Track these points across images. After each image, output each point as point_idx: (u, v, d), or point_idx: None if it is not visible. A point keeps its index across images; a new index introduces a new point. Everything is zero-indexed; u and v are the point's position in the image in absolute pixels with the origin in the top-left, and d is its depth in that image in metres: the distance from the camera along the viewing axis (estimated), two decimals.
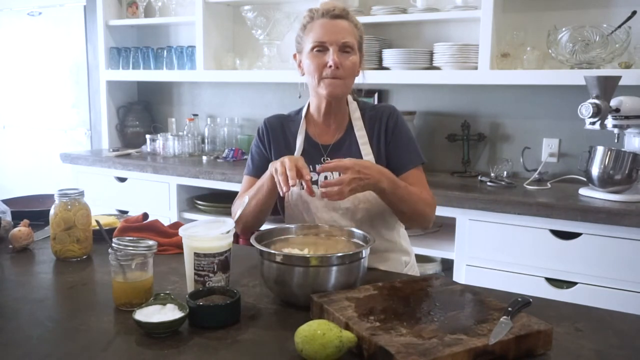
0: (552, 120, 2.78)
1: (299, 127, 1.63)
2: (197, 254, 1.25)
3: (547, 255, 2.28)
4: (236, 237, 1.97)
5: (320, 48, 1.51)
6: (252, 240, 1.29)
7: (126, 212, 3.10)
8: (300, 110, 1.67)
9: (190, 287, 1.27)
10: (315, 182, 1.55)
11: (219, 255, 1.25)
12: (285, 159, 1.37)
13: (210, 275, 1.25)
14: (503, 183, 2.60)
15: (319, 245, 1.41)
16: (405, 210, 1.49)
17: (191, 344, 1.07)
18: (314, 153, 1.60)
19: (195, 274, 1.25)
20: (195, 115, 3.68)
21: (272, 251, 1.25)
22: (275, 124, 1.66)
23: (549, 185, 2.57)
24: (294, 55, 1.62)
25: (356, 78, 1.61)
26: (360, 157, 1.56)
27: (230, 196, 3.15)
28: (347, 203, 1.53)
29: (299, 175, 1.35)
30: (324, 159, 1.59)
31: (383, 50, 2.89)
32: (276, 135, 1.65)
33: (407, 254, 1.67)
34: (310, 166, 1.58)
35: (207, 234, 1.29)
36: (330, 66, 1.49)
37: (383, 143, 1.58)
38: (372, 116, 1.60)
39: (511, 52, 2.71)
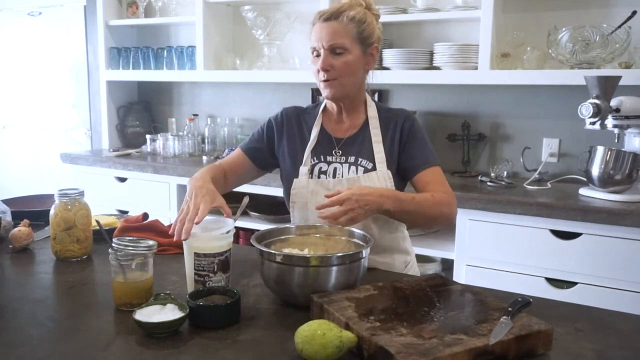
0: (552, 120, 2.77)
1: (316, 119, 1.66)
2: (197, 254, 1.25)
3: (547, 255, 2.28)
4: (236, 237, 1.97)
5: (316, 53, 1.55)
6: (252, 240, 1.29)
7: (126, 212, 3.10)
8: (319, 104, 1.71)
9: (190, 287, 1.27)
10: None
11: (219, 255, 1.25)
12: (192, 202, 1.36)
13: (210, 275, 1.25)
14: (503, 183, 2.60)
15: (319, 245, 1.41)
16: (421, 221, 1.52)
17: (191, 344, 1.07)
18: (326, 145, 1.63)
19: (195, 274, 1.25)
20: (195, 115, 3.68)
21: (272, 251, 1.25)
22: (291, 116, 1.70)
23: (549, 185, 2.57)
24: None
25: (366, 77, 1.63)
26: (372, 154, 1.58)
27: (230, 196, 3.15)
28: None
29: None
30: (335, 151, 1.62)
31: (383, 50, 2.88)
32: (291, 126, 1.68)
33: (408, 254, 1.68)
34: (322, 157, 1.62)
35: (207, 234, 1.29)
36: (320, 71, 1.53)
37: (397, 144, 1.59)
38: (388, 117, 1.63)
39: (511, 52, 2.71)
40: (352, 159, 1.59)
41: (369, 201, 1.39)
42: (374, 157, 1.57)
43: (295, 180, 1.60)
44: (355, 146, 1.61)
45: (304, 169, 1.60)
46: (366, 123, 1.62)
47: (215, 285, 1.25)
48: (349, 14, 1.53)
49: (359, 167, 1.58)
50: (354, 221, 1.39)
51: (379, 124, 1.61)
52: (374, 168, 1.57)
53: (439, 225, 1.59)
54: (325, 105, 1.68)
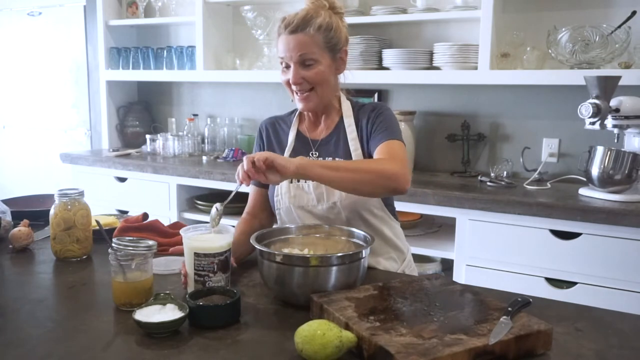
0: (552, 120, 2.78)
1: (291, 125, 1.67)
2: (197, 254, 1.25)
3: (547, 255, 2.28)
4: None
5: (285, 64, 1.54)
6: (252, 240, 1.30)
7: (126, 212, 3.09)
8: (294, 110, 1.71)
9: (190, 287, 1.27)
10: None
11: (219, 255, 1.25)
12: (257, 156, 1.30)
13: (210, 275, 1.25)
14: (503, 183, 2.60)
15: (319, 245, 1.41)
16: (351, 183, 1.38)
17: (191, 344, 1.07)
18: (303, 148, 1.64)
19: (195, 274, 1.25)
20: (195, 115, 3.68)
21: (272, 251, 1.25)
22: (268, 126, 1.72)
23: (548, 185, 2.57)
24: None
25: (339, 77, 1.63)
26: (349, 151, 1.57)
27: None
28: (334, 197, 1.54)
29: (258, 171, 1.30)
30: (312, 153, 1.62)
31: (383, 50, 2.88)
32: (269, 135, 1.71)
33: (403, 251, 1.68)
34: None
35: (207, 234, 1.30)
36: (292, 84, 1.53)
37: (366, 138, 1.58)
38: (360, 113, 1.63)
39: (511, 52, 2.71)
40: (328, 159, 1.59)
41: (264, 157, 1.29)
42: (351, 155, 1.57)
43: (277, 187, 1.60)
44: (331, 146, 1.61)
45: None
46: (341, 121, 1.62)
47: (215, 285, 1.25)
48: (315, 23, 1.50)
49: None
50: (259, 173, 1.29)
51: (353, 121, 1.61)
52: None
53: (382, 189, 1.42)
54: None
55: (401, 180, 1.39)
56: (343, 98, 1.65)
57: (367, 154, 1.57)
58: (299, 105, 1.58)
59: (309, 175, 1.33)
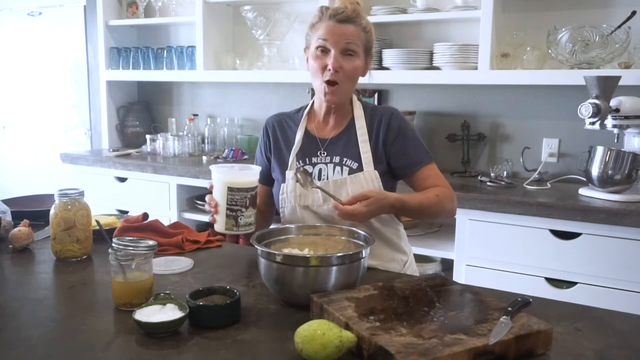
0: (552, 120, 2.78)
1: (300, 122, 1.66)
2: (230, 189, 1.28)
3: (547, 255, 2.28)
4: (236, 236, 1.98)
5: (323, 49, 1.54)
6: (252, 240, 1.29)
7: (126, 212, 3.10)
8: (302, 108, 1.71)
9: (220, 221, 1.30)
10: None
11: (251, 190, 1.31)
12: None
13: (243, 210, 1.29)
14: (503, 183, 2.60)
15: (319, 245, 1.41)
16: (424, 219, 1.61)
17: (191, 344, 1.07)
18: (311, 147, 1.63)
19: (227, 208, 1.29)
20: (195, 115, 3.68)
21: (272, 251, 1.25)
22: (274, 123, 1.71)
23: (548, 185, 2.57)
24: (304, 50, 1.65)
25: (363, 78, 1.64)
26: (358, 154, 1.58)
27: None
28: (340, 199, 1.53)
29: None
30: (320, 152, 1.62)
31: (383, 50, 2.89)
32: (275, 132, 1.70)
33: (405, 253, 1.68)
34: (307, 159, 1.62)
35: (241, 171, 1.38)
36: (330, 69, 1.52)
37: (382, 142, 1.59)
38: (372, 116, 1.63)
39: (511, 52, 2.71)
40: (337, 159, 1.59)
41: (376, 209, 1.44)
42: (361, 157, 1.57)
43: (282, 185, 1.61)
44: (340, 146, 1.61)
45: (289, 174, 1.60)
46: (352, 122, 1.62)
47: (246, 220, 1.29)
48: (362, 22, 1.55)
49: (344, 167, 1.58)
50: (357, 220, 1.42)
51: (364, 123, 1.61)
52: (359, 168, 1.57)
53: (441, 219, 1.65)
54: (311, 107, 1.68)
55: (455, 213, 1.64)
56: (354, 99, 1.66)
57: (381, 161, 1.58)
58: (327, 97, 1.56)
59: (403, 213, 1.56)
